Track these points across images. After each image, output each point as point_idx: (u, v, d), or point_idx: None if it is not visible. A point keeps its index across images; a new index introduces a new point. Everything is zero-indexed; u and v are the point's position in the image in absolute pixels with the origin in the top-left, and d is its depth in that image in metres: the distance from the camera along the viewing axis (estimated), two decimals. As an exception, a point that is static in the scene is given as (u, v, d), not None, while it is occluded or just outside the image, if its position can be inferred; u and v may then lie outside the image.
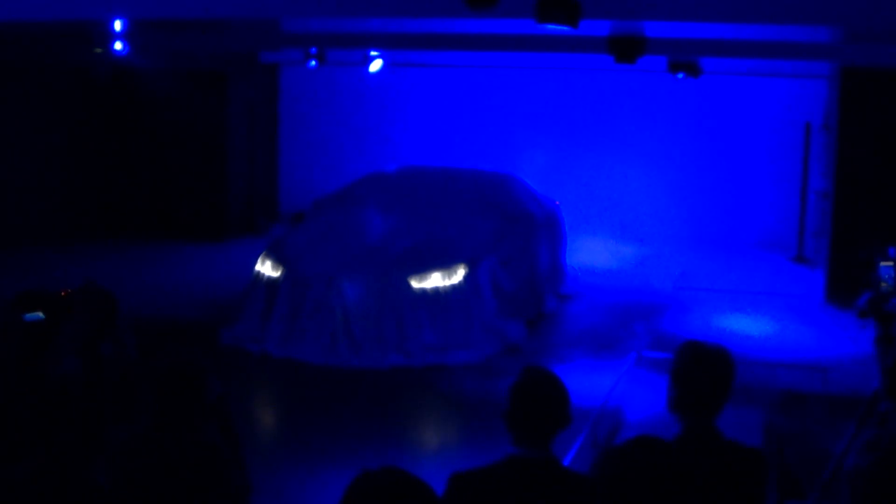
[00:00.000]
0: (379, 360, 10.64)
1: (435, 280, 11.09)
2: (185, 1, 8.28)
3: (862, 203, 13.43)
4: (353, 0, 8.40)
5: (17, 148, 16.70)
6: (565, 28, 7.28)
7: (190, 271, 15.23)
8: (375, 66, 16.43)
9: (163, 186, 18.19)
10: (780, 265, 16.27)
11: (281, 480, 7.67)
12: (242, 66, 18.22)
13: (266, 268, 11.47)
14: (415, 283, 11.00)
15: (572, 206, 16.27)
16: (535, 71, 18.23)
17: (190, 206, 18.02)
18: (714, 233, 17.79)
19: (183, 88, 17.99)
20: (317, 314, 10.90)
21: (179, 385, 4.24)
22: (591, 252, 16.38)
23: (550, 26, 7.26)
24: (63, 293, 5.51)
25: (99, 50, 12.57)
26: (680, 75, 14.34)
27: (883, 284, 7.94)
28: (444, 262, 11.28)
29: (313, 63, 15.56)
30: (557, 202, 14.60)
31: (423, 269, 11.15)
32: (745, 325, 12.49)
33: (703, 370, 4.15)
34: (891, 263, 7.98)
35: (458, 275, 11.22)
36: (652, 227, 17.86)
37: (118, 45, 12.61)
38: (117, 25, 12.34)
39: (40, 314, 4.75)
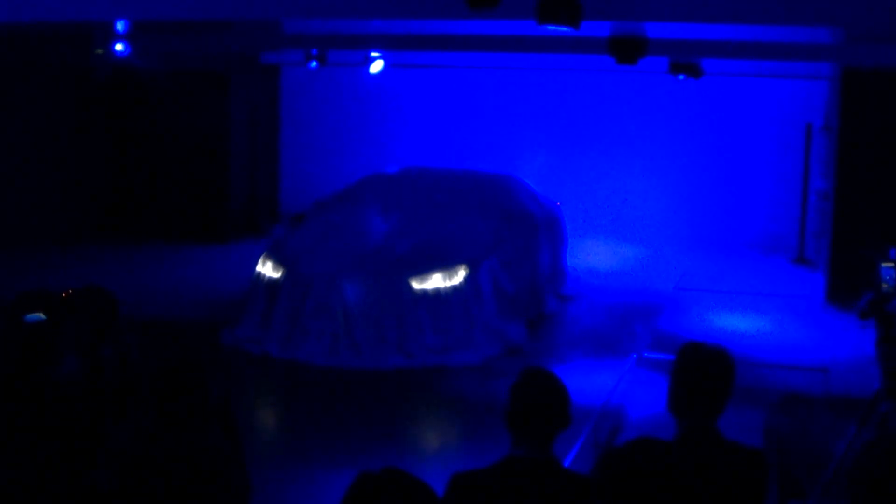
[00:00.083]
0: (380, 360, 10.64)
1: (436, 281, 11.09)
2: (186, 2, 8.29)
3: (862, 204, 13.43)
4: (354, 1, 8.41)
5: (19, 149, 16.71)
6: (566, 29, 7.29)
7: (190, 272, 15.24)
8: (376, 67, 16.44)
9: (164, 187, 18.19)
10: (780, 266, 16.27)
11: (282, 481, 7.67)
12: (243, 68, 18.23)
13: (267, 269, 11.47)
14: (415, 284, 11.00)
15: (573, 207, 16.28)
16: (536, 72, 18.23)
17: (191, 206, 18.02)
18: (715, 234, 17.79)
19: (184, 89, 17.99)
20: (318, 315, 10.90)
21: (180, 386, 4.24)
22: (592, 253, 16.38)
23: (551, 27, 7.27)
24: (64, 294, 5.52)
25: (100, 51, 12.57)
26: (681, 76, 14.34)
27: (884, 285, 7.95)
28: (445, 263, 11.28)
29: (314, 64, 15.57)
30: (558, 203, 14.60)
31: (424, 269, 11.15)
32: (746, 326, 12.49)
33: (704, 371, 4.15)
34: (891, 264, 7.99)
35: (459, 276, 11.22)
36: (653, 228, 17.86)
37: (119, 47, 12.61)
38: (118, 27, 12.35)
39: (41, 315, 4.75)
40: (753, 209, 17.81)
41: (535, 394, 4.02)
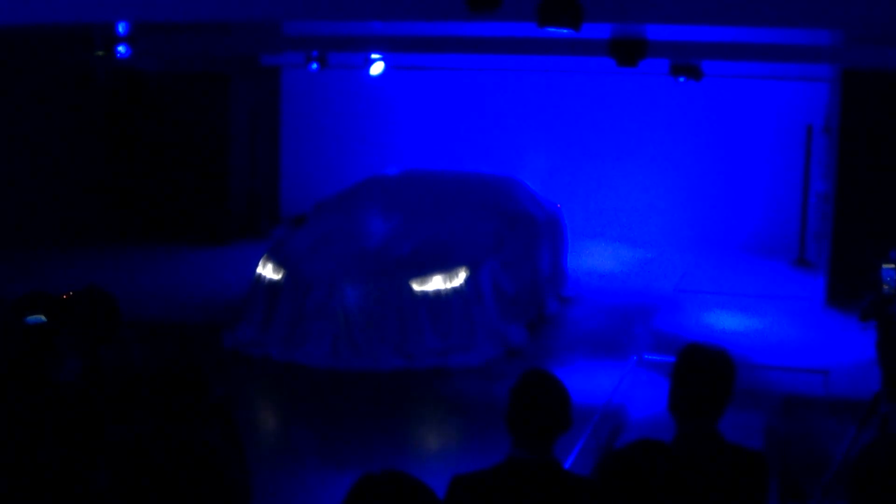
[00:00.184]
0: (380, 362, 10.64)
1: (436, 283, 11.09)
2: (187, 4, 8.29)
3: (863, 205, 13.44)
4: (354, 3, 8.42)
5: (19, 150, 16.71)
6: (567, 31, 7.29)
7: (191, 274, 15.24)
8: (377, 68, 16.44)
9: (164, 189, 18.20)
10: (780, 268, 16.27)
11: (282, 483, 7.67)
12: (244, 69, 18.24)
13: (267, 270, 11.47)
14: (416, 286, 11.00)
15: (574, 209, 16.28)
16: (537, 74, 18.24)
17: (191, 208, 18.03)
18: (715, 235, 17.79)
19: (184, 91, 18.01)
20: (318, 317, 10.90)
21: (180, 387, 4.24)
22: (593, 255, 16.38)
23: (552, 29, 7.27)
24: (64, 296, 5.51)
25: (101, 53, 12.58)
26: (681, 79, 14.34)
27: (884, 287, 7.94)
28: (446, 265, 11.28)
29: (315, 66, 15.57)
30: (559, 205, 14.60)
31: (425, 271, 11.15)
32: (746, 328, 12.49)
33: (705, 373, 4.15)
34: (892, 266, 7.99)
35: (460, 277, 11.22)
36: (653, 230, 17.86)
37: (120, 49, 12.62)
38: (120, 28, 12.35)
39: (42, 317, 4.75)
40: (754, 211, 17.81)
41: (535, 395, 4.02)
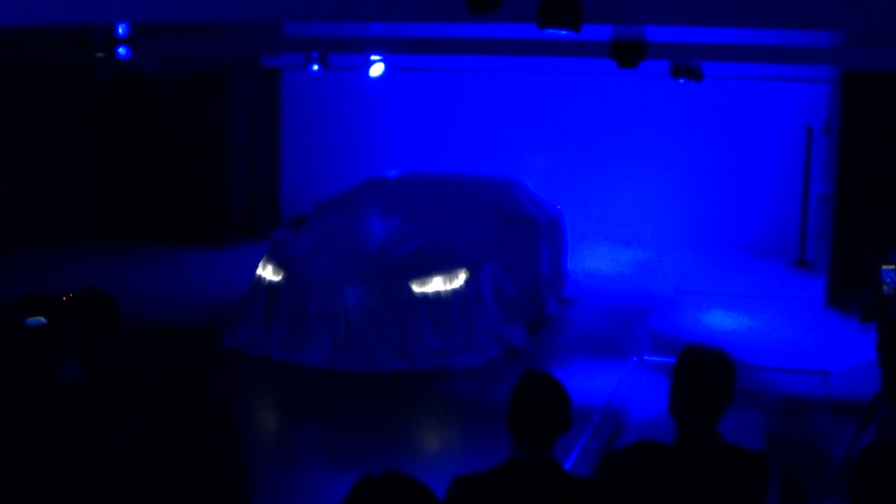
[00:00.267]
0: (380, 363, 10.64)
1: (436, 284, 11.10)
2: (187, 5, 8.30)
3: (863, 207, 13.44)
4: (354, 4, 8.42)
5: (19, 150, 16.73)
6: (567, 32, 7.29)
7: (191, 275, 15.24)
8: (377, 70, 16.45)
9: (164, 190, 18.20)
10: (780, 269, 16.28)
11: (282, 484, 7.67)
12: (244, 70, 18.24)
13: (267, 272, 11.47)
14: (416, 287, 11.01)
15: (574, 210, 16.28)
16: (537, 75, 18.25)
17: (191, 209, 18.03)
18: (715, 237, 17.80)
19: (184, 92, 18.01)
20: (318, 318, 10.91)
21: (180, 387, 4.25)
22: (593, 256, 16.39)
23: (552, 31, 7.28)
24: (64, 297, 5.52)
25: (101, 54, 12.59)
26: (681, 80, 14.35)
27: (884, 287, 7.94)
28: (446, 267, 11.29)
29: (316, 67, 15.58)
30: (559, 206, 14.61)
31: (425, 273, 11.16)
32: (746, 329, 12.49)
33: (705, 374, 4.15)
34: (892, 267, 7.98)
35: (460, 279, 11.23)
36: (653, 231, 17.87)
37: (120, 50, 12.63)
38: (120, 29, 12.36)
39: (42, 319, 4.75)
40: (754, 212, 17.81)
41: (535, 396, 4.02)
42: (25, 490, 4.42)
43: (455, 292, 11.12)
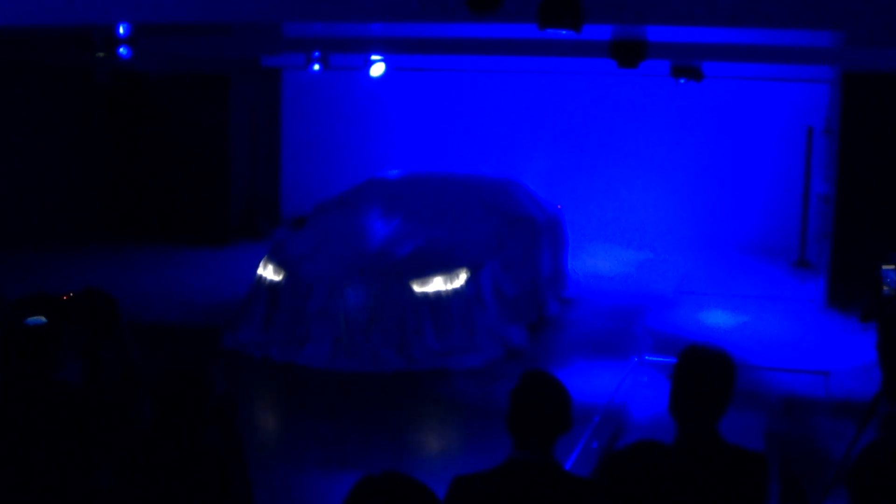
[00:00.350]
0: (381, 364, 10.64)
1: (437, 284, 11.09)
2: (188, 5, 8.30)
3: (863, 207, 13.44)
4: (355, 4, 8.42)
5: (20, 151, 16.73)
6: (568, 32, 7.29)
7: (191, 275, 15.24)
8: (377, 70, 16.44)
9: (164, 190, 18.20)
10: (781, 269, 16.27)
11: (283, 485, 7.67)
12: (244, 70, 18.25)
13: (268, 272, 11.47)
14: (417, 288, 11.00)
15: (574, 210, 16.28)
16: (537, 75, 18.25)
17: (191, 209, 18.03)
18: (716, 237, 17.79)
19: (185, 92, 18.01)
20: (319, 318, 10.90)
21: (180, 387, 4.25)
22: (593, 256, 16.39)
23: (553, 31, 7.28)
24: (65, 297, 5.52)
25: (102, 54, 12.59)
26: (682, 80, 14.34)
27: (884, 288, 7.94)
28: (446, 267, 11.29)
29: (317, 67, 15.57)
30: (559, 206, 14.61)
31: (425, 273, 11.15)
32: (747, 329, 12.49)
33: (705, 374, 4.15)
34: (892, 267, 7.98)
35: (460, 279, 11.23)
36: (653, 231, 17.86)
37: (122, 50, 12.64)
38: (120, 30, 12.36)
39: (42, 318, 4.76)
40: (754, 212, 17.81)
41: (536, 397, 4.02)
42: (25, 490, 4.42)
43: (456, 292, 11.12)
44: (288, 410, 10.21)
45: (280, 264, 11.47)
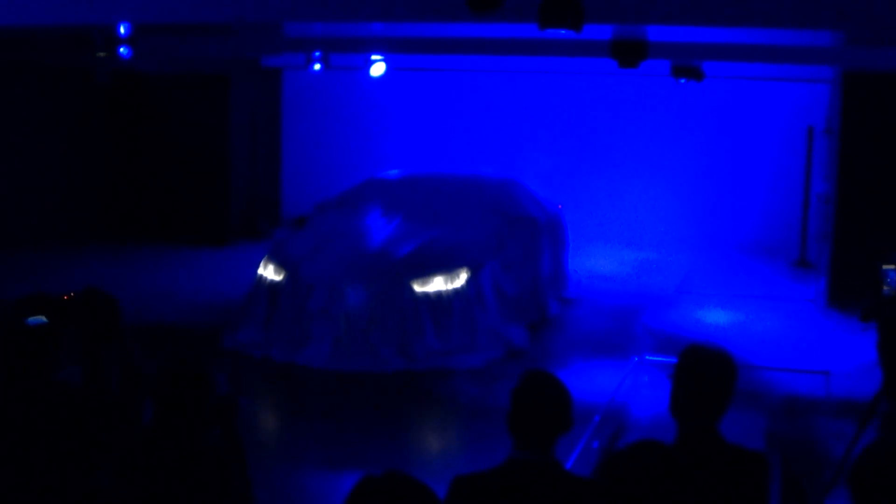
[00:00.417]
0: (381, 363, 10.63)
1: (437, 284, 11.09)
2: (188, 5, 8.29)
3: (864, 206, 13.44)
4: (355, 4, 8.42)
5: (20, 151, 16.73)
6: (568, 32, 7.29)
7: (192, 275, 15.24)
8: (378, 69, 16.43)
9: (165, 190, 18.21)
10: (781, 269, 16.28)
11: (284, 485, 7.67)
12: (245, 70, 18.25)
13: (268, 272, 11.47)
14: (417, 287, 11.00)
15: (575, 210, 16.28)
16: (538, 75, 18.25)
17: (192, 209, 18.04)
18: (716, 237, 17.80)
19: (185, 92, 18.02)
20: (320, 318, 10.90)
21: (181, 387, 4.25)
22: (594, 256, 16.38)
23: (554, 30, 7.27)
24: (65, 297, 5.52)
25: (102, 54, 12.59)
26: (682, 80, 14.34)
27: (885, 288, 7.94)
28: (447, 266, 11.28)
29: (318, 66, 15.56)
30: (560, 206, 14.60)
31: (426, 272, 11.15)
32: (747, 329, 12.49)
33: (705, 374, 4.15)
34: (893, 267, 7.98)
35: (461, 279, 11.22)
36: (654, 231, 17.87)
37: (122, 50, 12.64)
38: (121, 30, 12.36)
39: (43, 318, 4.76)
40: (755, 212, 17.81)
41: (536, 397, 4.02)
42: (25, 490, 4.42)
43: (456, 292, 11.12)
44: (288, 410, 10.21)
45: (280, 264, 11.46)
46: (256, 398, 10.33)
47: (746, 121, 17.86)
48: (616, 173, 18.27)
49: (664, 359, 10.48)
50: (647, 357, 11.05)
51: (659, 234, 17.79)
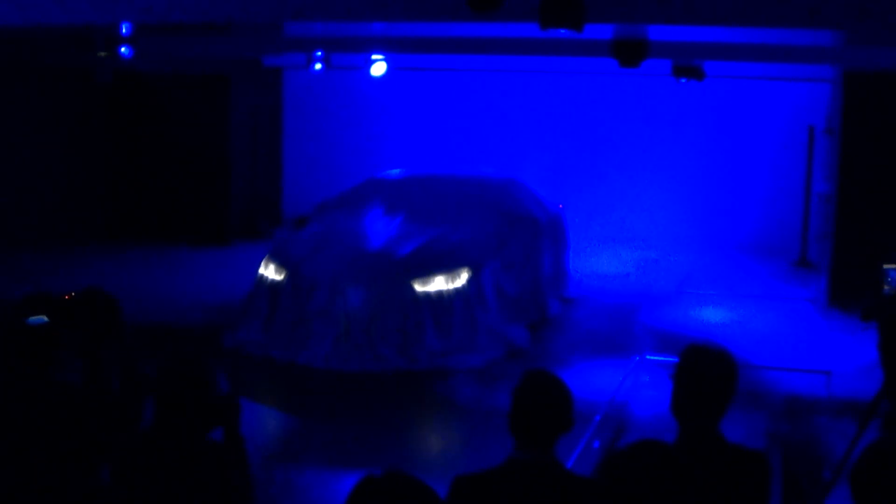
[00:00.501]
0: (382, 363, 10.63)
1: (438, 284, 11.09)
2: (189, 5, 8.30)
3: (865, 206, 13.44)
4: (355, 4, 8.42)
5: (21, 151, 16.73)
6: (569, 32, 7.29)
7: (192, 275, 15.24)
8: (379, 69, 16.43)
9: (166, 190, 18.21)
10: (783, 269, 16.27)
11: (284, 484, 7.67)
12: (245, 70, 18.25)
13: (269, 271, 11.47)
14: (418, 287, 11.00)
15: (576, 210, 16.28)
16: (539, 74, 18.25)
17: (193, 209, 18.04)
18: (717, 237, 17.80)
19: (186, 92, 18.02)
20: (320, 318, 10.90)
21: (181, 387, 4.24)
22: (595, 255, 16.38)
23: (554, 30, 7.27)
24: (66, 297, 5.52)
25: (103, 54, 12.60)
26: (683, 80, 14.34)
27: (886, 287, 7.94)
28: (448, 266, 11.28)
29: (319, 66, 15.56)
30: (560, 205, 14.60)
31: (427, 272, 11.14)
32: (748, 329, 12.48)
33: (706, 373, 4.15)
34: (894, 266, 7.98)
35: (462, 278, 11.22)
36: (655, 231, 17.87)
37: (123, 50, 12.64)
38: (122, 29, 12.37)
39: (44, 318, 4.76)
40: (755, 212, 17.81)
41: (537, 397, 4.02)
42: (25, 490, 4.42)
43: (457, 292, 11.12)
44: (289, 410, 10.20)
45: (281, 264, 11.46)
46: (257, 398, 10.33)
47: (747, 120, 17.86)
48: (617, 173, 18.27)
49: (665, 358, 10.48)
50: (647, 357, 11.05)
51: (660, 234, 17.79)
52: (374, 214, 12.67)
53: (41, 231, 16.99)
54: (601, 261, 16.23)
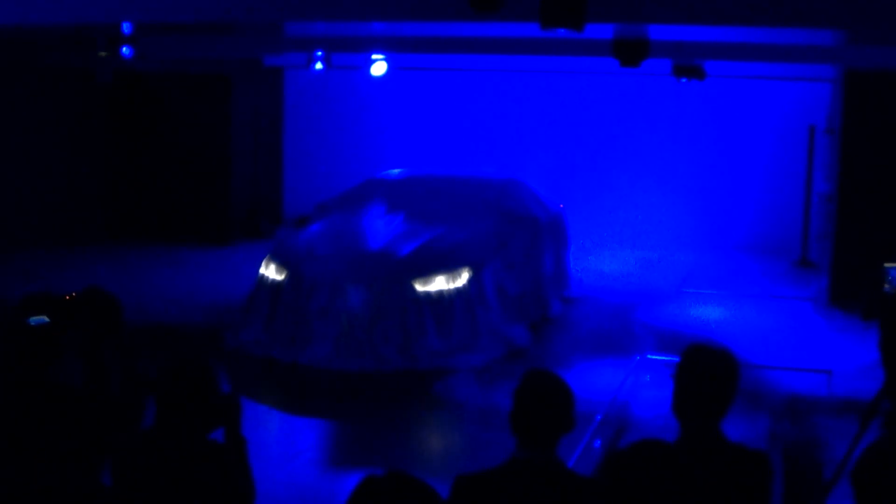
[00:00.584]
0: (383, 363, 10.63)
1: (439, 283, 11.08)
2: (189, 5, 8.29)
3: (866, 206, 13.43)
4: (356, 4, 8.42)
5: (22, 150, 16.73)
6: (570, 32, 7.28)
7: (193, 275, 15.24)
8: (379, 69, 16.42)
9: (166, 190, 18.21)
10: (783, 269, 16.27)
11: (285, 485, 7.67)
12: (246, 70, 18.24)
13: (270, 271, 11.47)
14: (419, 287, 10.99)
15: (577, 210, 16.28)
16: (539, 74, 18.25)
17: (194, 209, 18.04)
18: (718, 236, 17.80)
19: (187, 92, 18.02)
20: (321, 318, 10.89)
21: (183, 388, 4.24)
22: (596, 255, 16.38)
23: (555, 30, 7.26)
24: (67, 297, 5.51)
25: (104, 54, 12.59)
26: (684, 79, 14.34)
27: (887, 286, 7.94)
28: (449, 266, 11.27)
29: (319, 65, 15.55)
30: (561, 205, 14.60)
31: (428, 272, 11.14)
32: (749, 329, 12.48)
33: (708, 373, 4.15)
34: (895, 265, 7.98)
35: (463, 278, 11.22)
36: (656, 230, 17.87)
37: (124, 50, 12.63)
38: (123, 29, 12.36)
39: (45, 318, 4.75)
40: (756, 211, 17.81)
41: (539, 396, 4.02)
42: (25, 490, 4.41)
43: (458, 292, 11.12)
44: (290, 410, 10.20)
45: (282, 264, 11.46)
46: (258, 398, 10.33)
47: (748, 120, 17.86)
48: (618, 172, 18.27)
49: (666, 358, 10.47)
50: (649, 356, 11.04)
51: (661, 233, 17.79)
52: (374, 214, 12.67)
53: (41, 231, 16.98)
54: (602, 260, 16.23)
